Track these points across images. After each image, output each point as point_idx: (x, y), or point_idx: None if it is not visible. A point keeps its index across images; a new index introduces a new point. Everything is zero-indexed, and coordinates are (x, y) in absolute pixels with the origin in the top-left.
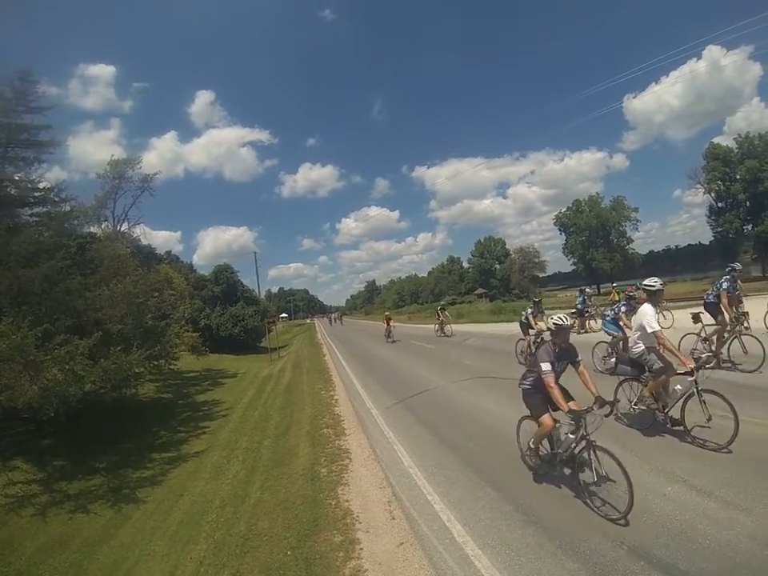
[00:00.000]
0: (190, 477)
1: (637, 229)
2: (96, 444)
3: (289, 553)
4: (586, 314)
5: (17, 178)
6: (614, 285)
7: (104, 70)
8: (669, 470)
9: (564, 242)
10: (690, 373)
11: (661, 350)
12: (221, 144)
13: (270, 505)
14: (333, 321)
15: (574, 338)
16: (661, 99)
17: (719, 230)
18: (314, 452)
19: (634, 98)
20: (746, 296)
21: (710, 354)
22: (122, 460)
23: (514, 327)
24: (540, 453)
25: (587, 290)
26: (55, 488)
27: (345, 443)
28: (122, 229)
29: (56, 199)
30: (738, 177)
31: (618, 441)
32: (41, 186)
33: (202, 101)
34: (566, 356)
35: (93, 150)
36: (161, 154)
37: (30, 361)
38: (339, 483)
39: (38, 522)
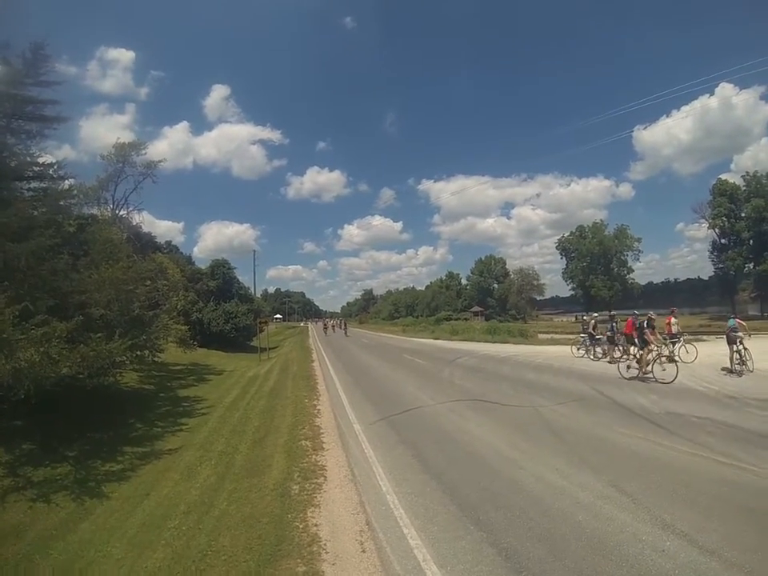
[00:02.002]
0: (160, 476)
1: (638, 259)
2: (69, 430)
3: None
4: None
5: (16, 150)
6: (612, 314)
7: (124, 55)
8: (669, 522)
9: (564, 266)
10: None
11: None
12: (232, 139)
13: (234, 519)
14: (330, 329)
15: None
16: (670, 132)
17: (720, 266)
18: (288, 465)
19: (644, 129)
20: (749, 335)
21: None
22: (92, 450)
23: (509, 348)
24: None
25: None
26: (20, 473)
27: (322, 459)
28: (121, 213)
29: (54, 176)
30: (743, 215)
31: (615, 485)
32: (40, 160)
33: (217, 95)
34: None
35: (105, 132)
36: (171, 144)
37: (4, 339)
38: (310, 504)
39: None
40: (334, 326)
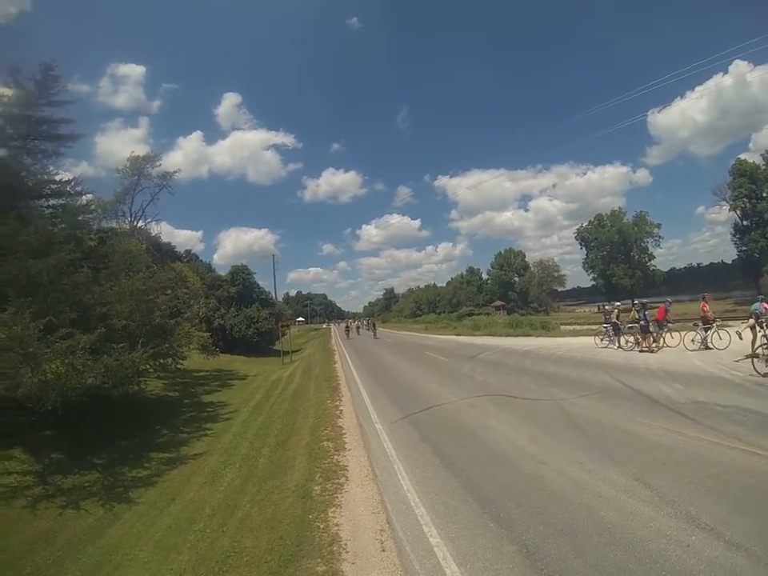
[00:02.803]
0: (185, 480)
1: (659, 245)
2: (96, 439)
3: None
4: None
5: (33, 170)
6: (635, 302)
7: (134, 70)
8: (694, 515)
9: (584, 256)
10: None
11: None
12: (245, 146)
13: (256, 521)
14: (353, 330)
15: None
16: (685, 114)
17: (743, 248)
18: (310, 466)
19: (658, 112)
20: None
21: None
22: (119, 457)
23: (531, 342)
24: None
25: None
26: (50, 481)
27: (344, 459)
28: (139, 225)
29: (72, 192)
30: (764, 194)
31: (639, 478)
32: (57, 178)
33: (229, 103)
34: None
35: (120, 147)
36: (186, 154)
37: (30, 353)
38: (331, 504)
39: (27, 515)
40: (358, 327)
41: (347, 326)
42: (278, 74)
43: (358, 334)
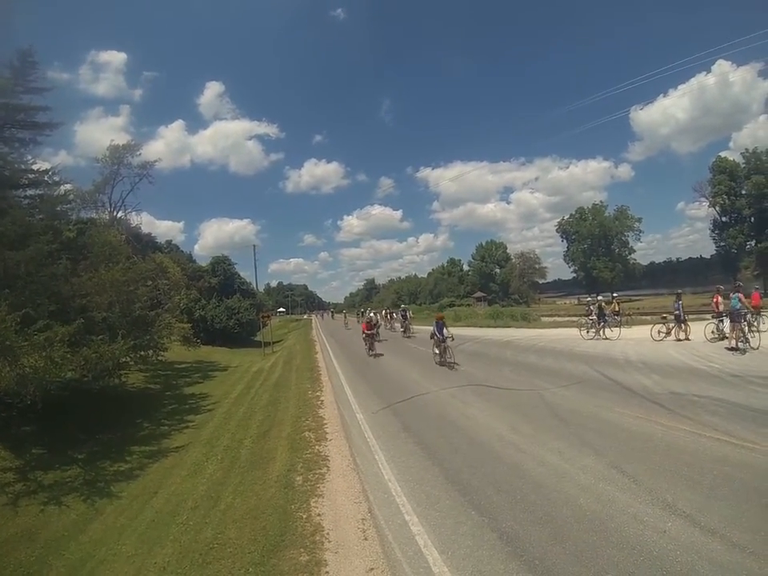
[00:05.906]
0: (168, 473)
1: (639, 239)
2: (77, 433)
3: (250, 569)
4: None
5: (10, 159)
6: (615, 295)
7: (115, 57)
8: (670, 502)
9: (565, 249)
10: None
11: None
12: (227, 136)
13: (239, 512)
14: (371, 338)
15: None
16: (667, 112)
17: (722, 244)
18: (291, 457)
19: (641, 109)
20: (750, 312)
21: None
22: (101, 451)
23: (512, 333)
24: None
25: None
26: (30, 477)
27: (325, 449)
28: (119, 215)
29: (50, 182)
30: (743, 192)
31: (617, 467)
32: (35, 167)
33: (211, 92)
34: None
35: (101, 136)
36: (168, 144)
37: (7, 346)
38: (313, 494)
39: (8, 512)
40: (377, 325)
41: (371, 324)
42: (261, 64)
43: (377, 335)
